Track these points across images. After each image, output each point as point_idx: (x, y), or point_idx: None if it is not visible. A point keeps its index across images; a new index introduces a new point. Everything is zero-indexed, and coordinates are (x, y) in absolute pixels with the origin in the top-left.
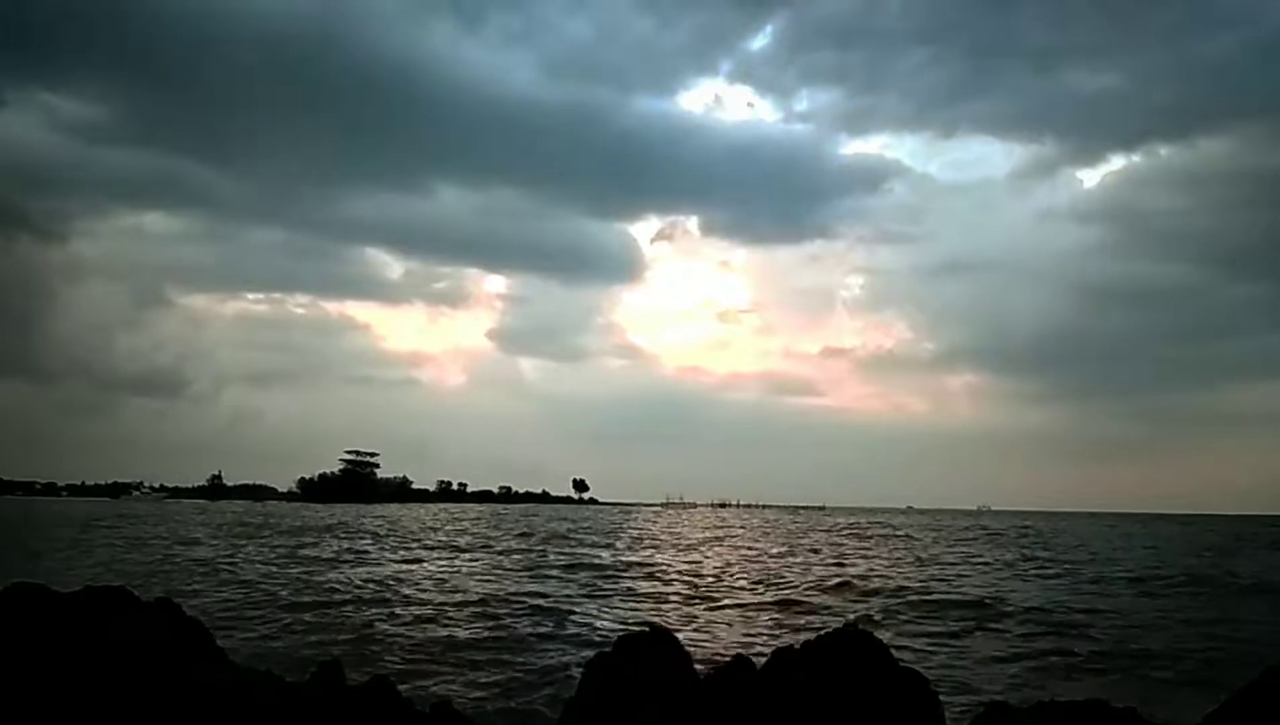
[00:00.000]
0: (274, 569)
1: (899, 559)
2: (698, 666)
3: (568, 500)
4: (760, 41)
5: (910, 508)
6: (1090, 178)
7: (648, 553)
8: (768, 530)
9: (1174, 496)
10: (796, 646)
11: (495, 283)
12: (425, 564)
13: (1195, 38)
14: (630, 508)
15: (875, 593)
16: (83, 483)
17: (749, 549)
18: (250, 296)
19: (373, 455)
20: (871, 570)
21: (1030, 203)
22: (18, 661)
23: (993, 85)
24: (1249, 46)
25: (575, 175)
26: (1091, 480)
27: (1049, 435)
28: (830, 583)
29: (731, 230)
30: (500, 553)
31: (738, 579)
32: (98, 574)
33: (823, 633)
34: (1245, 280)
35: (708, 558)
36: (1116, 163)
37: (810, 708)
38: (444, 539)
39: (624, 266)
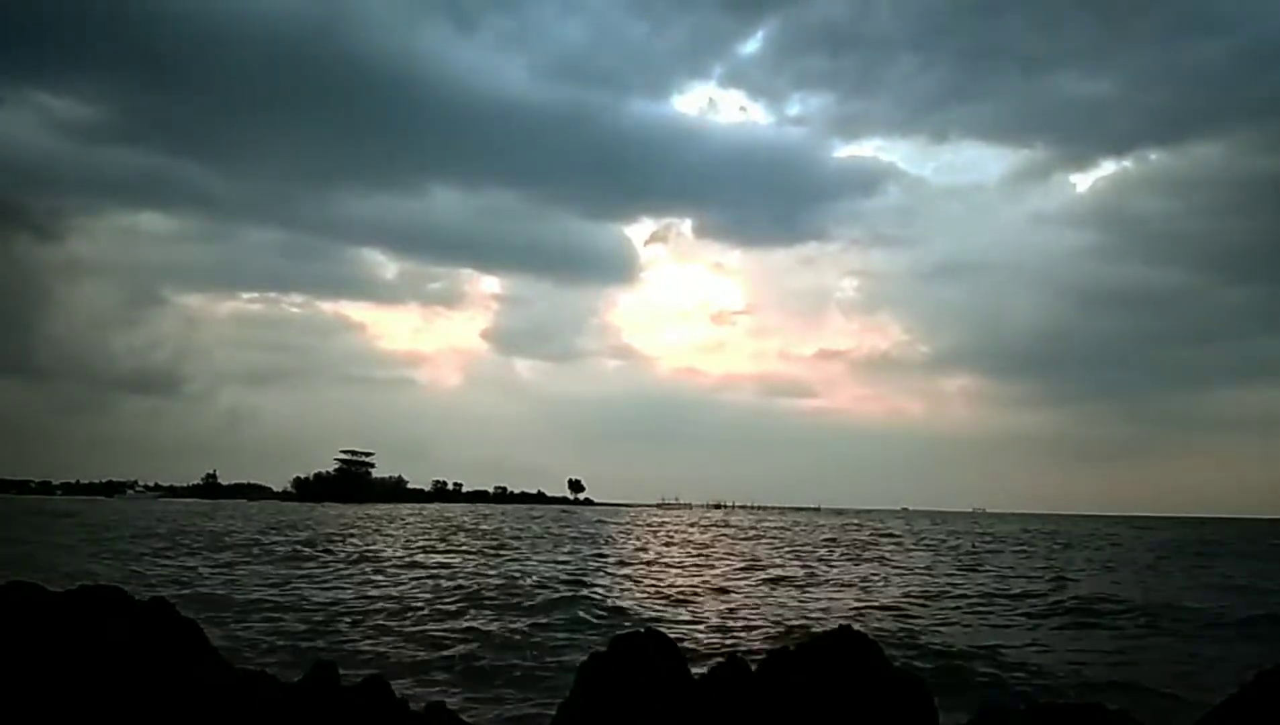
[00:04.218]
0: None
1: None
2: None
3: (563, 501)
4: (752, 46)
5: (905, 509)
6: (1082, 182)
7: None
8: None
9: (1168, 499)
10: (791, 648)
11: (490, 283)
12: None
13: (1185, 43)
14: (624, 508)
15: None
16: (77, 481)
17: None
18: (245, 296)
19: (368, 455)
20: None
21: (1023, 207)
22: (11, 660)
23: (984, 90)
24: (1238, 52)
25: (570, 177)
26: (1085, 482)
27: (1043, 438)
28: None
29: (725, 232)
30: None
31: None
32: None
33: (817, 634)
34: (1237, 284)
35: None
36: (1107, 167)
37: (805, 709)
38: None
39: (619, 268)
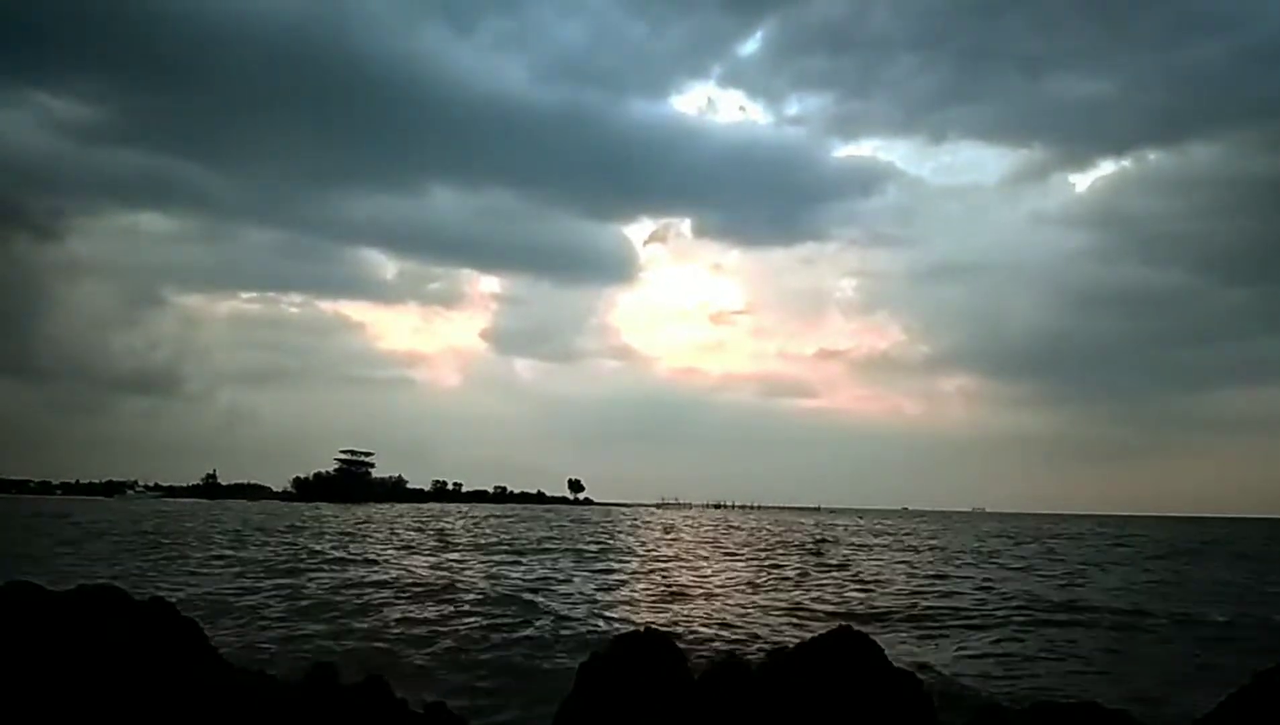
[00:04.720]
0: None
1: None
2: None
3: (563, 501)
4: (751, 46)
5: (905, 509)
6: (1081, 182)
7: None
8: None
9: (1167, 499)
10: (790, 647)
11: (489, 283)
12: None
13: (1184, 44)
14: (619, 509)
15: None
16: (77, 481)
17: None
18: (245, 296)
19: (368, 455)
20: None
21: (1021, 207)
22: (10, 660)
23: (983, 91)
24: (1237, 53)
25: (569, 177)
26: (1085, 482)
27: (1042, 438)
28: None
29: (725, 232)
30: None
31: None
32: None
33: (817, 634)
34: (1235, 284)
35: None
36: (1106, 168)
37: (804, 708)
38: None
39: (618, 268)
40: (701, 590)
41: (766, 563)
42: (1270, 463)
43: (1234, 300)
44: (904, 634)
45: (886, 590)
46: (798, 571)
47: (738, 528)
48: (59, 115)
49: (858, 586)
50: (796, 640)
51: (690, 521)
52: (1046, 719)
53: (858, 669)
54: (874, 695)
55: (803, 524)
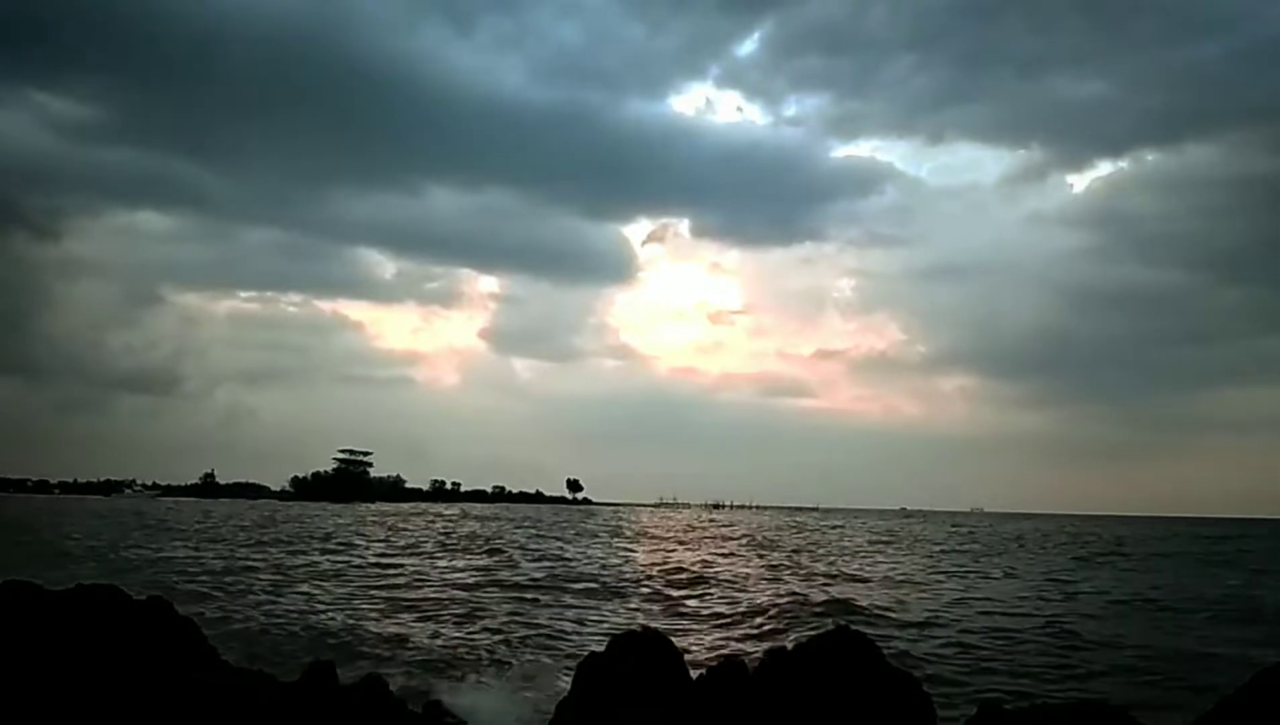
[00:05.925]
0: None
1: None
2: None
3: (561, 501)
4: (749, 47)
5: (904, 509)
6: (1079, 183)
7: None
8: None
9: (1166, 499)
10: (789, 648)
11: (488, 283)
12: None
13: (1181, 45)
14: (613, 508)
15: None
16: (75, 480)
17: None
18: (243, 295)
19: (366, 454)
20: None
21: (1019, 207)
22: (8, 658)
23: (980, 91)
24: (1234, 53)
25: (567, 177)
26: (1083, 482)
27: (1041, 438)
28: None
29: (723, 232)
30: None
31: None
32: None
33: (815, 634)
34: (1234, 284)
35: None
36: (1104, 168)
37: (803, 708)
38: None
39: (616, 267)
40: None
41: None
42: (1270, 463)
43: (1232, 300)
44: None
45: None
46: None
47: (688, 526)
48: (57, 115)
49: None
50: None
51: (658, 524)
52: (1046, 719)
53: (856, 669)
54: (872, 695)
55: (764, 522)
